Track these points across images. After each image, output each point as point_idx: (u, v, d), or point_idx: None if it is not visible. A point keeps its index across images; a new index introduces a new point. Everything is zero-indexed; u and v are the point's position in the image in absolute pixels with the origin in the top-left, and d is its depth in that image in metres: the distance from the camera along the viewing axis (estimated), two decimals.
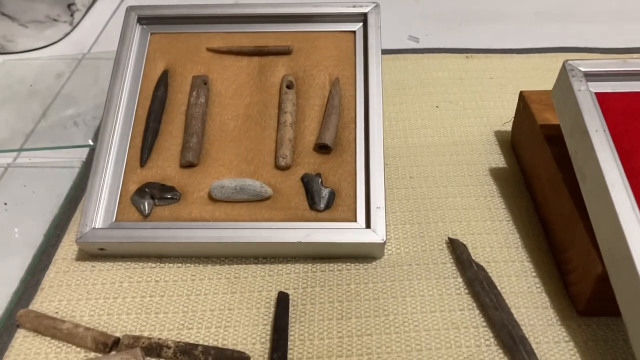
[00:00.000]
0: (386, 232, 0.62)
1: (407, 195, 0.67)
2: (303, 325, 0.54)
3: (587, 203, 0.53)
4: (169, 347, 0.52)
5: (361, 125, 0.65)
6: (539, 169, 0.64)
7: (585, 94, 0.55)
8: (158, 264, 0.60)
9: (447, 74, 0.86)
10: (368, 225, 0.58)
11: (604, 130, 0.53)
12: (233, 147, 0.64)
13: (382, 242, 0.57)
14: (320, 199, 0.60)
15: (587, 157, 0.52)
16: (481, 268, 0.57)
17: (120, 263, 0.60)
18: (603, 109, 0.56)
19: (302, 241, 0.57)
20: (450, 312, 0.55)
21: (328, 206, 0.60)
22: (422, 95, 0.82)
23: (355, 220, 0.59)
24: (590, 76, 0.57)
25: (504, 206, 0.65)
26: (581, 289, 0.54)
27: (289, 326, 0.54)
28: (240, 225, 0.59)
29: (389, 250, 0.61)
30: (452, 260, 0.60)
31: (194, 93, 0.66)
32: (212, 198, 0.61)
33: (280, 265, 0.60)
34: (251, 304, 0.56)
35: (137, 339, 0.52)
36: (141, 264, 0.60)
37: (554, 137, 0.62)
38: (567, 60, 0.57)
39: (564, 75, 0.58)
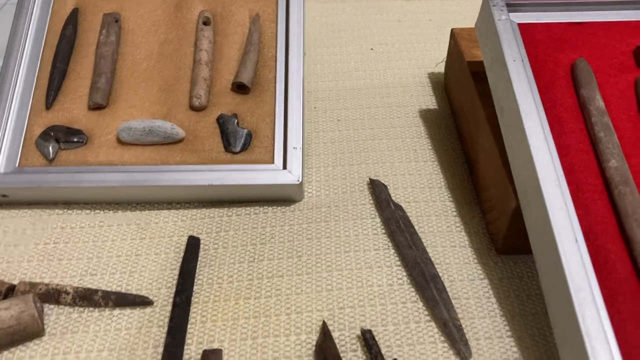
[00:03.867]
0: (307, 174, 0.60)
1: (332, 138, 0.65)
2: (212, 269, 0.52)
3: (504, 136, 0.51)
4: (67, 293, 0.49)
5: (282, 64, 0.62)
6: (466, 107, 0.62)
7: (506, 24, 0.53)
8: (65, 210, 0.57)
9: (385, 17, 0.82)
10: (285, 167, 0.56)
11: (522, 60, 0.51)
12: (145, 87, 0.61)
13: (298, 182, 0.55)
14: (236, 140, 0.57)
15: (504, 88, 0.50)
16: (399, 208, 0.56)
17: (25, 210, 0.57)
18: (525, 40, 0.53)
19: (213, 184, 0.55)
20: (364, 252, 0.53)
21: (244, 148, 0.57)
22: (357, 38, 0.79)
23: (273, 162, 0.57)
24: (512, 6, 0.55)
25: (430, 147, 0.63)
26: (499, 226, 0.52)
27: (198, 270, 0.52)
28: (149, 169, 0.56)
29: (309, 192, 0.59)
30: (371, 202, 0.58)
31: (103, 31, 0.62)
32: (120, 141, 0.57)
33: (194, 210, 0.57)
34: (160, 250, 0.54)
35: (33, 285, 0.49)
36: (47, 210, 0.57)
37: (480, 74, 0.59)
38: None
39: (486, 5, 0.55)
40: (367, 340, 0.45)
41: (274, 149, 0.57)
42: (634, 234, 0.42)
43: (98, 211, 0.57)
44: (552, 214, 0.43)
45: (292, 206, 0.57)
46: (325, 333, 0.46)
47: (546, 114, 0.48)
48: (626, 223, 0.43)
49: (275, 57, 0.62)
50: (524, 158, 0.46)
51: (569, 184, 0.45)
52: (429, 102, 0.69)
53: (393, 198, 0.57)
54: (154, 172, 0.56)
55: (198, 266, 0.52)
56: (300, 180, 0.55)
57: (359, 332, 0.47)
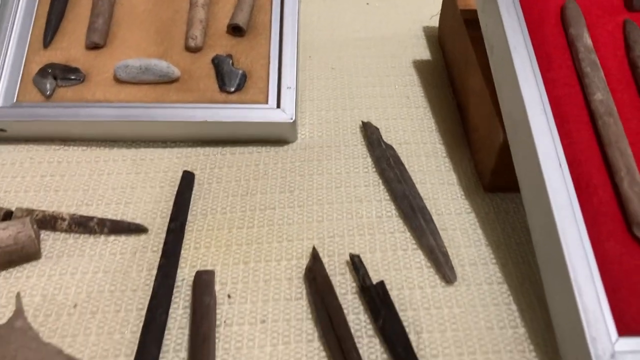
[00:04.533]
0: (301, 118, 0.61)
1: (327, 85, 0.66)
2: (206, 202, 0.53)
3: (494, 74, 0.52)
4: (63, 219, 0.50)
5: (277, 7, 0.62)
6: (459, 54, 0.63)
7: None
8: (62, 146, 0.58)
9: None
10: (278, 106, 0.57)
11: (513, 1, 0.51)
12: (142, 28, 0.61)
13: (291, 121, 0.56)
14: (230, 80, 0.58)
15: (495, 25, 0.51)
16: (390, 147, 0.57)
17: (23, 145, 0.58)
18: None
19: (208, 120, 0.56)
20: (355, 187, 0.54)
21: (239, 88, 0.58)
22: None
23: (267, 102, 0.57)
24: None
25: (423, 95, 0.64)
26: (486, 163, 0.53)
27: (192, 202, 0.53)
28: (145, 105, 0.57)
29: (302, 134, 0.60)
30: (363, 143, 0.59)
31: None
32: (117, 79, 0.58)
33: (189, 148, 0.58)
34: (155, 184, 0.55)
35: (31, 211, 0.51)
36: (44, 146, 0.58)
37: (473, 22, 0.60)
38: None
39: None
40: (355, 263, 0.46)
41: (268, 90, 0.58)
42: (616, 161, 0.43)
43: (94, 148, 0.58)
44: (538, 142, 0.44)
45: (286, 147, 0.59)
46: (315, 257, 0.47)
47: (535, 50, 0.49)
48: (609, 151, 0.44)
49: (271, 1, 0.63)
50: (512, 91, 0.47)
51: (555, 115, 0.46)
52: (423, 53, 0.70)
53: (385, 140, 0.58)
54: (150, 108, 0.56)
55: (192, 199, 0.53)
56: (294, 118, 0.56)
57: (347, 259, 0.48)
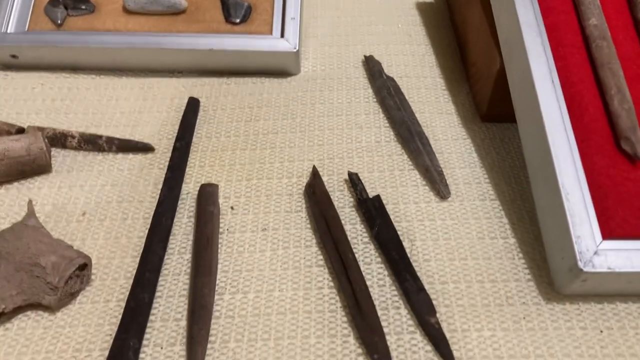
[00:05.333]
0: (304, 52, 0.62)
1: (331, 23, 0.67)
2: (211, 126, 0.55)
3: (493, 6, 0.53)
4: (73, 137, 0.52)
5: None
6: None
7: None
8: (72, 74, 0.60)
9: None
10: (282, 36, 0.58)
11: None
12: None
13: (295, 50, 0.57)
14: (236, 11, 0.59)
15: None
16: (391, 79, 0.58)
17: (34, 72, 0.60)
18: None
19: (213, 48, 0.57)
20: (355, 115, 0.56)
21: (244, 19, 0.60)
22: None
23: (271, 33, 0.59)
24: None
25: (424, 33, 0.65)
26: (484, 93, 0.55)
27: (197, 127, 0.55)
28: (153, 34, 0.58)
29: (305, 68, 0.61)
30: (365, 76, 0.60)
31: None
32: (126, 10, 0.60)
33: (194, 78, 0.60)
34: (162, 109, 0.57)
35: (42, 129, 0.52)
36: (55, 74, 0.60)
37: None
38: None
39: None
40: (353, 180, 0.48)
41: (272, 21, 0.59)
42: (608, 80, 0.45)
43: (103, 76, 0.60)
44: (533, 63, 0.45)
45: (289, 78, 0.60)
46: (315, 174, 0.49)
47: None
48: (601, 72, 0.45)
49: None
50: (509, 17, 0.49)
51: (550, 39, 0.47)
52: None
53: (386, 73, 0.59)
54: (157, 36, 0.58)
55: (197, 123, 0.55)
56: (297, 48, 0.57)
57: (346, 177, 0.50)
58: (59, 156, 0.52)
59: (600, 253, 0.38)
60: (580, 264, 0.37)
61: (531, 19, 0.47)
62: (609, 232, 0.39)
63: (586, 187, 0.41)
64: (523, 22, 0.47)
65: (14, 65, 0.60)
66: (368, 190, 0.48)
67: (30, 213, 0.45)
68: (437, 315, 0.39)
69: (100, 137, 0.52)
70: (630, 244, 0.39)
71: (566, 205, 0.39)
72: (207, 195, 0.47)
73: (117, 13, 0.60)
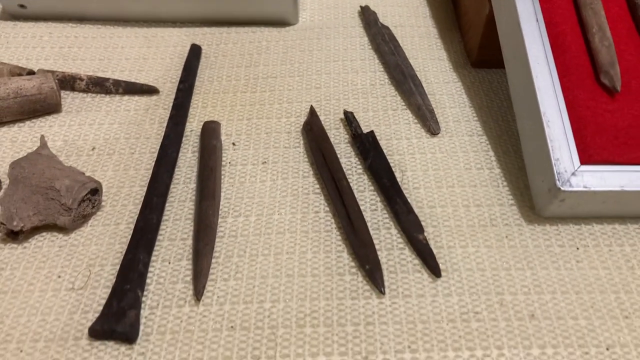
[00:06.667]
0: (302, 2, 0.65)
1: None
2: (213, 71, 0.57)
3: None
4: (81, 80, 0.55)
5: None
6: None
7: None
8: (78, 24, 0.62)
9: None
10: None
11: None
12: None
13: None
14: None
15: None
16: (386, 27, 0.60)
17: (42, 22, 0.62)
18: None
19: None
20: (351, 61, 0.58)
21: None
22: None
23: None
24: None
25: None
26: (474, 40, 0.57)
27: (200, 71, 0.57)
28: None
29: (303, 18, 0.64)
30: (361, 25, 0.62)
31: None
32: None
33: (196, 28, 0.62)
34: (165, 55, 0.59)
35: (52, 72, 0.55)
36: (62, 24, 0.62)
37: None
38: None
39: None
40: (348, 117, 0.51)
41: None
42: (590, 19, 0.47)
43: (109, 26, 0.62)
44: (519, 4, 0.48)
45: (288, 27, 0.62)
46: (312, 113, 0.51)
47: None
48: (583, 11, 0.48)
49: None
50: None
51: None
52: None
53: (381, 22, 0.62)
54: None
55: (199, 69, 0.58)
56: None
57: (342, 117, 0.52)
58: (68, 98, 0.55)
59: (577, 174, 0.40)
60: (559, 183, 0.40)
61: None
62: (586, 158, 0.42)
63: (567, 117, 0.43)
64: None
65: (22, 15, 0.62)
66: (363, 128, 0.51)
67: (43, 145, 0.47)
68: (425, 234, 0.42)
69: (108, 79, 0.55)
70: (605, 167, 0.41)
71: (547, 131, 0.42)
72: (210, 131, 0.50)
73: None
